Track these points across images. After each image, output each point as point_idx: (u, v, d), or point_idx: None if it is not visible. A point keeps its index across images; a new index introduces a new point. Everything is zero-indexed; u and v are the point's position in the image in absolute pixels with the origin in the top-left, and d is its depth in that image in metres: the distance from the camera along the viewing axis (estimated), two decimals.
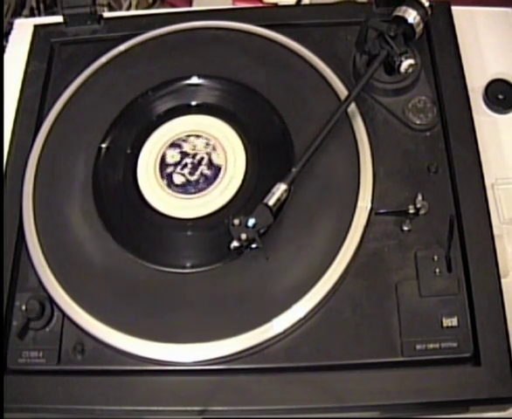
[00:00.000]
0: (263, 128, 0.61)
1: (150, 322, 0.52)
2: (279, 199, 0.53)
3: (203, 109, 0.63)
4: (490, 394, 0.47)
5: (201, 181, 0.59)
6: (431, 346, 0.49)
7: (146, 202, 0.59)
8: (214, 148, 0.60)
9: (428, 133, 0.58)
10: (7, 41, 0.71)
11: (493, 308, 0.50)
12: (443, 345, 0.49)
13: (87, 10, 0.68)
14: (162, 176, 0.60)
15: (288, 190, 0.54)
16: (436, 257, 0.52)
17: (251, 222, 0.51)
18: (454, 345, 0.49)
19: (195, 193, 0.58)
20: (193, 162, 0.60)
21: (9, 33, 0.72)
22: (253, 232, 0.51)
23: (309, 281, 0.52)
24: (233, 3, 0.87)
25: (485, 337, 0.49)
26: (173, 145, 0.61)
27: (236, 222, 0.52)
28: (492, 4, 0.67)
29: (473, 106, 0.58)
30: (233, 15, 0.68)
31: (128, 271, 0.55)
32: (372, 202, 0.55)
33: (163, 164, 0.60)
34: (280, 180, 0.54)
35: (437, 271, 0.51)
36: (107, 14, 0.71)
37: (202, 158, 0.60)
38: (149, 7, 0.96)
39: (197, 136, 0.61)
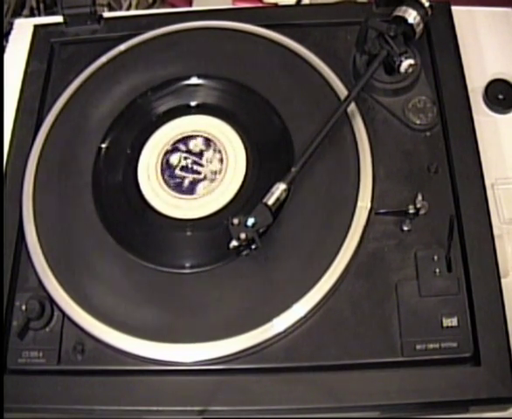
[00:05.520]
0: (263, 128, 0.61)
1: (150, 322, 0.52)
2: (278, 199, 0.53)
3: (203, 109, 0.63)
4: (490, 394, 0.47)
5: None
6: (431, 346, 0.49)
7: (146, 202, 0.59)
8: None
9: (428, 133, 0.58)
10: (7, 41, 0.71)
11: (493, 308, 0.50)
12: (443, 345, 0.49)
13: (87, 10, 0.68)
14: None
15: (288, 190, 0.54)
16: (436, 257, 0.52)
17: (250, 221, 0.51)
18: (454, 345, 0.49)
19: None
20: (193, 163, 0.60)
21: (9, 33, 0.72)
22: (253, 232, 0.51)
23: (309, 281, 0.52)
24: (233, 3, 0.87)
25: (485, 337, 0.49)
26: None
27: (235, 221, 0.52)
28: (492, 4, 0.67)
29: (473, 106, 0.58)
30: (233, 15, 0.68)
31: (128, 271, 0.55)
32: (372, 202, 0.55)
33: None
34: (280, 180, 0.54)
35: (437, 271, 0.51)
36: (107, 14, 0.71)
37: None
38: (149, 7, 0.96)
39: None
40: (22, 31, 0.71)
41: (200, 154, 0.60)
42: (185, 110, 0.63)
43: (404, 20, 0.59)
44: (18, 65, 0.67)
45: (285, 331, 0.50)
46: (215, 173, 0.59)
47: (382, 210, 0.54)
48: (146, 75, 0.65)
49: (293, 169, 0.54)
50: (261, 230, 0.52)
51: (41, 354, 0.52)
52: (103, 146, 0.61)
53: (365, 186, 0.55)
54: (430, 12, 0.59)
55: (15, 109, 0.64)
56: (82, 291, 0.54)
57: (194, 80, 0.64)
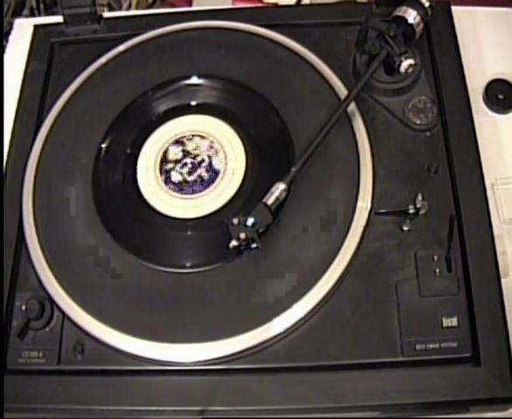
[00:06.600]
0: (263, 128, 0.61)
1: (150, 322, 0.52)
2: (277, 198, 0.53)
3: (203, 109, 0.63)
4: (490, 394, 0.47)
5: (201, 181, 0.59)
6: (431, 346, 0.49)
7: (146, 202, 0.59)
8: (214, 148, 0.60)
9: (428, 133, 0.58)
10: (7, 41, 0.71)
11: (493, 308, 0.50)
12: (443, 345, 0.49)
13: (87, 10, 0.68)
14: (161, 176, 0.60)
15: (288, 190, 0.54)
16: (436, 257, 0.52)
17: (250, 221, 0.51)
18: (454, 345, 0.49)
19: (195, 193, 0.58)
20: (193, 162, 0.60)
21: (9, 33, 0.72)
22: (252, 231, 0.51)
23: (309, 281, 0.52)
24: (233, 3, 0.87)
25: (485, 337, 0.49)
26: (173, 145, 0.61)
27: (235, 221, 0.52)
28: (492, 4, 0.67)
29: (473, 106, 0.58)
30: (233, 15, 0.68)
31: (127, 272, 0.55)
32: (372, 202, 0.55)
33: (163, 164, 0.60)
34: (280, 179, 0.54)
35: (437, 271, 0.51)
36: (107, 14, 0.71)
37: (202, 158, 0.60)
38: (149, 7, 0.96)
39: (197, 136, 0.61)
40: (22, 31, 0.71)
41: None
42: (185, 110, 0.63)
43: (404, 20, 0.59)
44: (18, 65, 0.67)
45: (285, 331, 0.50)
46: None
47: (382, 210, 0.54)
48: (146, 75, 0.65)
49: (292, 169, 0.54)
50: (261, 230, 0.52)
51: (41, 354, 0.52)
52: (103, 145, 0.61)
53: (365, 186, 0.55)
54: (430, 12, 0.59)
55: (15, 109, 0.64)
56: (82, 291, 0.54)
57: (194, 80, 0.64)
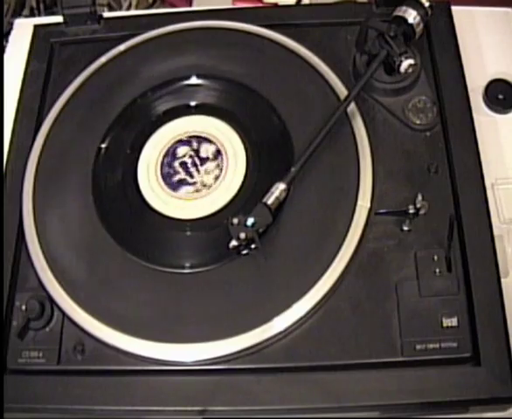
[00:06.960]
0: (263, 128, 0.61)
1: (150, 322, 0.52)
2: (277, 198, 0.53)
3: (202, 109, 0.63)
4: (490, 394, 0.47)
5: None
6: (431, 346, 0.49)
7: (146, 202, 0.59)
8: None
9: (428, 133, 0.58)
10: (7, 41, 0.71)
11: (493, 308, 0.50)
12: (443, 345, 0.49)
13: (87, 10, 0.68)
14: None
15: (288, 190, 0.54)
16: (436, 257, 0.52)
17: (250, 221, 0.51)
18: (454, 345, 0.49)
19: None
20: (193, 163, 0.60)
21: (9, 33, 0.72)
22: (252, 231, 0.51)
23: (309, 280, 0.52)
24: (233, 3, 0.87)
25: (485, 337, 0.49)
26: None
27: (235, 221, 0.52)
28: (492, 4, 0.67)
29: (473, 106, 0.58)
30: (233, 15, 0.68)
31: (128, 271, 0.55)
32: (372, 202, 0.55)
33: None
34: (280, 179, 0.54)
35: (437, 271, 0.51)
36: (106, 14, 0.71)
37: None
38: (149, 7, 0.96)
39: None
40: (22, 31, 0.71)
41: (200, 155, 0.60)
42: (185, 110, 0.63)
43: (404, 20, 0.59)
44: (18, 65, 0.67)
45: (285, 330, 0.50)
46: (215, 173, 0.59)
47: (382, 210, 0.54)
48: (146, 75, 0.65)
49: (292, 169, 0.54)
50: (261, 230, 0.52)
51: (41, 354, 0.52)
52: (103, 146, 0.61)
53: (365, 186, 0.55)
54: (430, 12, 0.59)
55: (15, 109, 0.64)
56: (82, 292, 0.54)
57: (194, 80, 0.64)
